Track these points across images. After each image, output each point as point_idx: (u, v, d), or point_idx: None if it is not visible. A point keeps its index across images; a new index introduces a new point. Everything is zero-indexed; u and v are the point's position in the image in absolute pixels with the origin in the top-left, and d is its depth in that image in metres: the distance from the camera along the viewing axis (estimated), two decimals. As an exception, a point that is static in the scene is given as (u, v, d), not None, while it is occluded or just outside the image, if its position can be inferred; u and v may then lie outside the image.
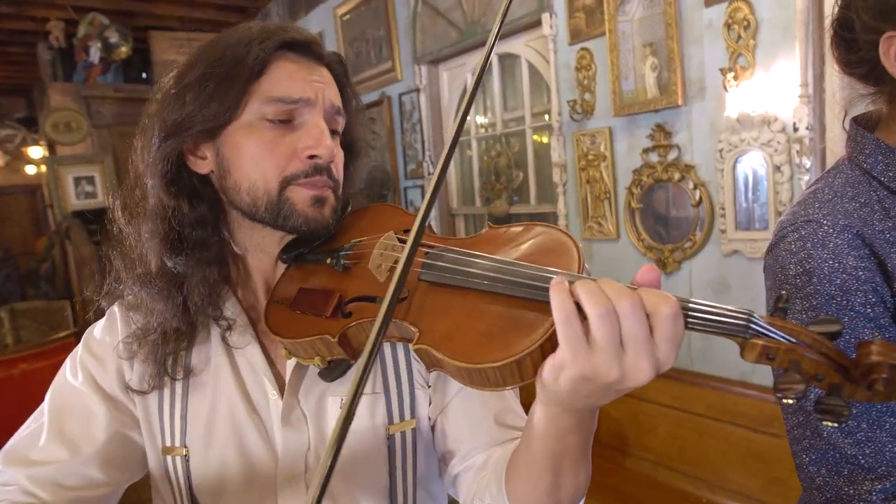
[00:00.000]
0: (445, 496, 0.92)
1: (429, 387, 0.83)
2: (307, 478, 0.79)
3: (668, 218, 2.58)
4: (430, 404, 0.83)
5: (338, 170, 0.80)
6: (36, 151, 7.56)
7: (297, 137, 0.75)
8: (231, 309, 0.82)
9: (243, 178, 0.76)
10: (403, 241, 0.72)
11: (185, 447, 0.80)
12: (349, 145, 0.86)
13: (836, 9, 0.83)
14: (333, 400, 0.80)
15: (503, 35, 3.29)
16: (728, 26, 2.20)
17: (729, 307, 0.50)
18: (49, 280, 6.51)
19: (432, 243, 0.68)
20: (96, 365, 0.83)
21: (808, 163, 2.06)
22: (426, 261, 0.65)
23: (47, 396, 0.84)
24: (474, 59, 3.59)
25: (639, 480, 2.68)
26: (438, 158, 0.62)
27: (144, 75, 6.07)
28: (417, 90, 3.87)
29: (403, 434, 0.81)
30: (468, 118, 3.89)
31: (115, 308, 0.86)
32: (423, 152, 3.93)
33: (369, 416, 0.80)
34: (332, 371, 0.75)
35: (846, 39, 0.81)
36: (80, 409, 0.81)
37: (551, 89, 2.97)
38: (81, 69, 5.67)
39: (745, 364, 2.31)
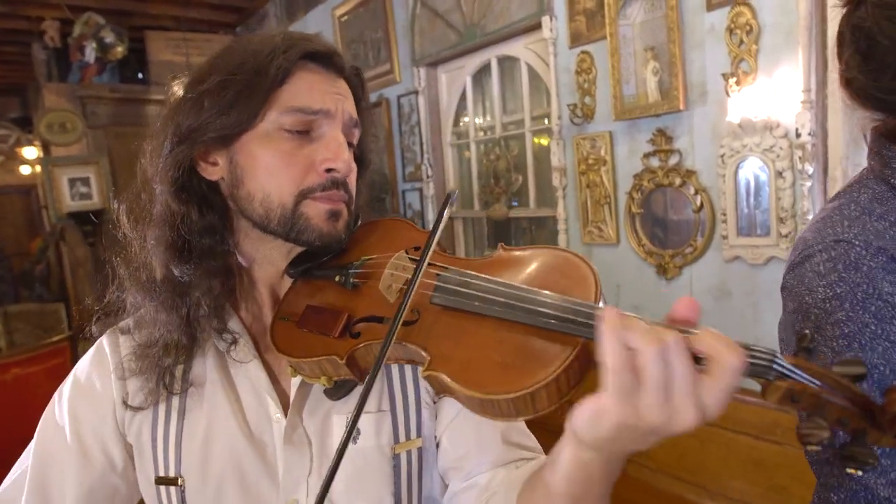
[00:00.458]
0: None
1: (434, 403, 0.81)
2: (308, 503, 0.76)
3: (668, 223, 2.56)
4: (435, 420, 0.81)
5: (352, 183, 0.79)
6: (30, 152, 7.50)
7: (314, 149, 0.74)
8: (234, 323, 0.80)
9: (257, 188, 0.74)
10: (415, 261, 0.71)
11: (181, 477, 0.77)
12: (360, 158, 0.85)
13: (845, 30, 0.72)
14: (339, 419, 0.77)
15: (503, 37, 3.27)
16: (730, 31, 2.19)
17: (754, 346, 0.48)
18: (43, 282, 6.46)
19: (445, 264, 0.66)
20: (82, 401, 0.81)
21: (810, 169, 2.05)
22: (438, 283, 0.63)
23: (37, 432, 0.82)
24: (473, 62, 3.57)
25: (639, 487, 2.66)
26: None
27: (141, 75, 6.02)
28: (416, 92, 3.84)
29: (409, 453, 0.79)
30: (466, 119, 3.86)
31: (104, 339, 0.83)
32: (422, 155, 3.91)
33: (374, 435, 0.78)
34: (337, 390, 0.73)
35: (867, 67, 0.70)
36: (60, 458, 0.79)
37: (551, 93, 2.95)
38: (77, 69, 5.62)
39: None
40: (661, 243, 2.59)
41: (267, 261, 0.80)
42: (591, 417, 0.49)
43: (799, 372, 0.47)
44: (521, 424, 0.81)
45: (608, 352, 0.47)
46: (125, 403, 0.79)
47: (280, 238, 0.76)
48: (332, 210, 0.75)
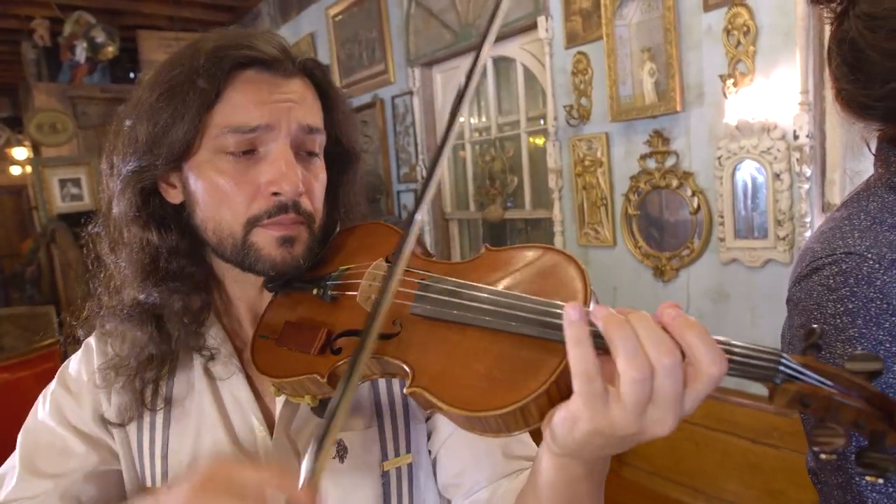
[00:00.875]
0: None
1: (427, 420, 0.79)
2: None
3: (665, 225, 2.54)
4: (428, 438, 0.79)
5: (313, 198, 0.72)
6: (20, 152, 7.43)
7: (259, 171, 0.68)
8: (215, 337, 0.77)
9: (208, 217, 0.70)
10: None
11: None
12: (341, 155, 0.80)
13: (832, 45, 0.72)
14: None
15: (498, 38, 3.24)
16: (727, 32, 2.17)
17: (756, 346, 0.45)
18: (34, 283, 6.39)
19: (425, 272, 0.62)
20: (70, 401, 0.78)
21: (808, 171, 2.04)
22: (419, 293, 0.59)
23: (19, 439, 0.79)
24: (469, 62, 3.54)
25: (635, 490, 2.65)
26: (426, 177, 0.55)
27: (133, 75, 5.97)
28: (411, 93, 3.82)
29: (399, 470, 0.76)
30: (461, 119, 3.84)
31: (92, 339, 0.81)
32: (417, 156, 3.88)
33: (362, 452, 0.75)
34: (324, 407, 0.70)
35: (855, 77, 0.70)
36: (54, 446, 0.76)
37: (547, 94, 2.93)
38: (67, 69, 5.57)
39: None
40: (658, 245, 2.57)
41: (242, 279, 0.76)
42: (562, 423, 0.47)
43: (808, 373, 0.44)
44: (522, 436, 0.78)
45: (571, 357, 0.44)
46: (105, 420, 0.76)
47: (238, 268, 0.71)
48: (284, 237, 0.69)
